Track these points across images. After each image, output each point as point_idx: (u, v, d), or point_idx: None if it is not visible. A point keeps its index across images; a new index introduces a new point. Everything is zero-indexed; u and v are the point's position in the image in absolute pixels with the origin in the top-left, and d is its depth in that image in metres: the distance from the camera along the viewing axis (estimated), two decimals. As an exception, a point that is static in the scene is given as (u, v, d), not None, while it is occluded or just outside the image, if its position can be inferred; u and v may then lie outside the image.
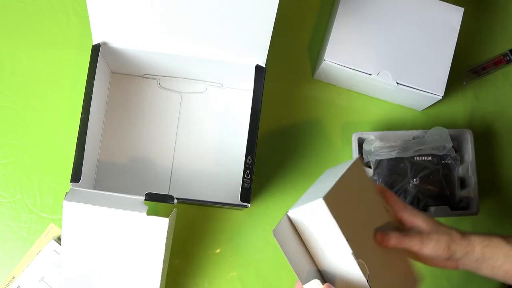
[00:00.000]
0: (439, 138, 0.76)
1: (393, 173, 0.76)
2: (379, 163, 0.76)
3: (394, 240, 0.60)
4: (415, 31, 0.76)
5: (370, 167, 0.77)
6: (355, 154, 0.77)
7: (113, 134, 0.77)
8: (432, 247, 0.59)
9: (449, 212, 0.76)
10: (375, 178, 0.76)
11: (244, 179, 0.67)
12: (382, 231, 0.61)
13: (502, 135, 0.84)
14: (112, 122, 0.77)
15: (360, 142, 0.78)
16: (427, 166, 0.76)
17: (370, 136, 0.77)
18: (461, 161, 0.78)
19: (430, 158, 0.76)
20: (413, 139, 0.78)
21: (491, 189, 0.82)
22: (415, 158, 0.76)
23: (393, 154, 0.75)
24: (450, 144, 0.76)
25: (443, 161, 0.77)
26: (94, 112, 0.69)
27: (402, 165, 0.76)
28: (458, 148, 0.79)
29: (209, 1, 0.63)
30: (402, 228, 0.63)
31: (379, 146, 0.76)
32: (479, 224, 0.81)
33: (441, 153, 0.76)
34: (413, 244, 0.60)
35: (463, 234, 0.61)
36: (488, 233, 0.61)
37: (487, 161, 0.83)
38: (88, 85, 0.67)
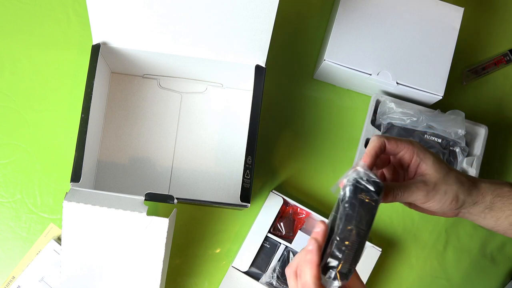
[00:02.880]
0: (454, 121, 0.76)
1: None
2: (389, 128, 0.77)
3: (392, 196, 0.51)
4: (415, 31, 0.76)
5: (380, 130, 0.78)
6: (370, 115, 0.78)
7: (113, 134, 0.77)
8: (438, 200, 0.52)
9: None
10: None
11: (244, 179, 0.67)
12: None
13: (502, 135, 0.84)
14: (112, 122, 0.77)
15: (377, 104, 0.79)
16: (434, 146, 0.76)
17: (388, 99, 0.78)
18: (469, 153, 0.79)
19: (440, 140, 0.76)
20: None
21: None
22: (425, 136, 0.77)
23: (406, 120, 0.76)
24: (463, 131, 0.76)
25: (451, 148, 0.77)
26: (94, 112, 0.69)
27: (411, 138, 0.76)
28: (469, 141, 0.80)
29: (209, 1, 0.63)
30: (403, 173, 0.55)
31: (394, 109, 0.76)
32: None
33: (451, 138, 0.76)
34: (417, 198, 0.52)
35: (473, 181, 0.54)
36: (496, 181, 0.56)
37: (486, 161, 0.83)
38: (88, 85, 0.67)
